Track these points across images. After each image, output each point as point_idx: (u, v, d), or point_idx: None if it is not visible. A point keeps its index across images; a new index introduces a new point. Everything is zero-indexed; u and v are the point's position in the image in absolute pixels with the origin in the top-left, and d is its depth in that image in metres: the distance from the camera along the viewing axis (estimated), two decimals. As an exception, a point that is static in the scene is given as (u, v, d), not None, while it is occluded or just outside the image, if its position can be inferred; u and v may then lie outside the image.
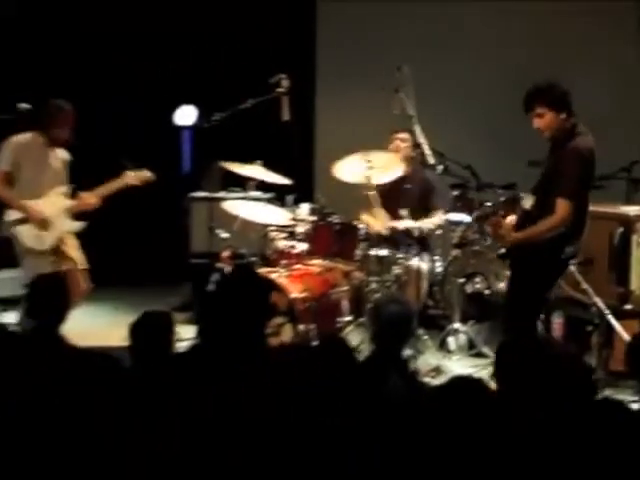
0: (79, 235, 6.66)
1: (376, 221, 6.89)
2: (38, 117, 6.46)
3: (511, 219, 5.65)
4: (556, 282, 5.67)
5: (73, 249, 6.55)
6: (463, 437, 3.23)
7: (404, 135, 6.99)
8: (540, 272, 5.45)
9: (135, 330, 4.10)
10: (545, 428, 3.39)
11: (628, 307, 6.39)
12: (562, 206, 5.27)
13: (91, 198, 6.55)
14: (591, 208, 6.45)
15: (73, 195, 6.58)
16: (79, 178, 6.65)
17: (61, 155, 6.56)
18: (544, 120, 5.34)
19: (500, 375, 3.76)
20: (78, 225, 6.57)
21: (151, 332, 4.09)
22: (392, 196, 7.04)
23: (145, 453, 3.43)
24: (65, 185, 6.57)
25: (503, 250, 5.71)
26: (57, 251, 6.46)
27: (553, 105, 5.32)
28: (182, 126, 8.55)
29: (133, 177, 6.62)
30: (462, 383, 3.39)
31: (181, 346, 6.39)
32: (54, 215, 6.44)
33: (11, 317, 6.83)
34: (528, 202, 5.51)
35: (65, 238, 6.52)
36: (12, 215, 6.38)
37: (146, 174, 6.66)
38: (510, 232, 5.53)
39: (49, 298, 4.47)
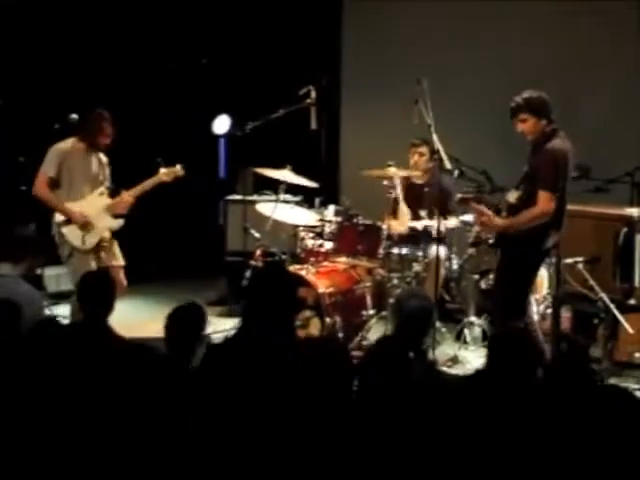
0: (125, 235, 6.66)
1: (397, 223, 6.95)
2: (82, 125, 6.48)
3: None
4: (537, 271, 5.82)
5: (113, 247, 6.58)
6: (478, 421, 3.30)
7: (422, 149, 7.06)
8: (523, 263, 5.62)
9: (170, 321, 4.14)
10: (550, 414, 3.40)
11: (632, 302, 6.38)
12: (543, 197, 5.47)
13: (128, 197, 6.56)
14: (598, 210, 6.61)
15: (115, 194, 6.59)
16: (120, 180, 6.68)
17: (100, 158, 6.58)
18: (526, 125, 5.60)
19: (494, 364, 3.75)
20: (118, 222, 6.57)
21: (185, 323, 4.14)
22: (413, 197, 7.13)
23: (183, 437, 3.47)
24: (105, 185, 6.58)
25: (492, 240, 5.93)
26: (99, 249, 6.49)
27: (533, 111, 5.57)
28: (219, 134, 8.54)
29: (166, 173, 6.60)
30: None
31: (218, 337, 6.56)
32: (95, 215, 6.46)
33: (61, 310, 6.85)
34: (512, 196, 5.69)
35: (106, 237, 6.54)
36: (59, 217, 6.45)
37: (178, 170, 6.63)
38: (493, 219, 5.66)
39: (97, 293, 4.50)
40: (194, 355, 4.06)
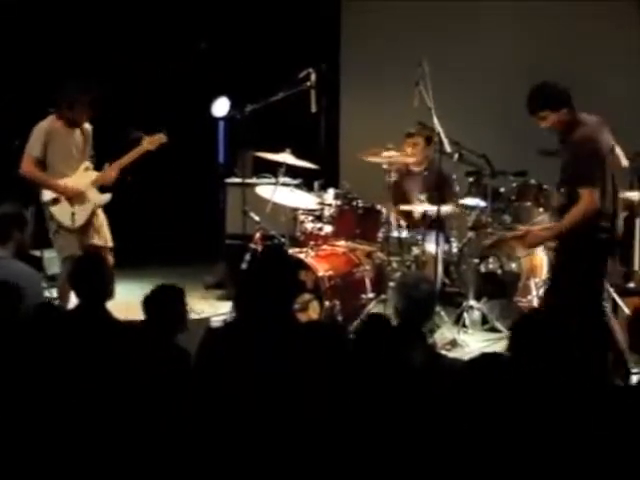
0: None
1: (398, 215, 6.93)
2: (59, 101, 6.33)
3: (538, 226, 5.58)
4: (606, 261, 5.34)
5: (102, 226, 6.48)
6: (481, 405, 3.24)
7: (416, 139, 7.07)
8: (586, 258, 5.20)
9: (147, 303, 4.11)
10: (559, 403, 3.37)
11: (631, 285, 6.42)
12: (584, 195, 5.13)
13: (114, 169, 6.45)
14: None
15: (99, 167, 6.50)
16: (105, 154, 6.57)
17: (84, 128, 6.46)
18: (548, 121, 5.29)
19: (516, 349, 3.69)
20: (106, 197, 6.48)
21: (163, 305, 4.09)
22: (412, 181, 7.13)
23: (183, 422, 3.47)
24: (89, 157, 6.49)
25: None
26: (88, 228, 6.40)
27: (550, 106, 5.26)
28: (218, 117, 8.49)
29: (149, 142, 6.50)
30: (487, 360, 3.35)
31: (216, 320, 6.55)
32: (84, 190, 6.39)
33: (56, 293, 6.76)
34: (555, 200, 5.52)
35: (96, 213, 6.45)
36: (46, 195, 6.35)
37: (161, 137, 6.52)
38: (533, 232, 5.41)
39: (92, 276, 4.43)
40: (175, 337, 4.04)
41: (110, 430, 3.46)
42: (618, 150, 5.58)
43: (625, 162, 5.72)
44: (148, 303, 4.10)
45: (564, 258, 5.28)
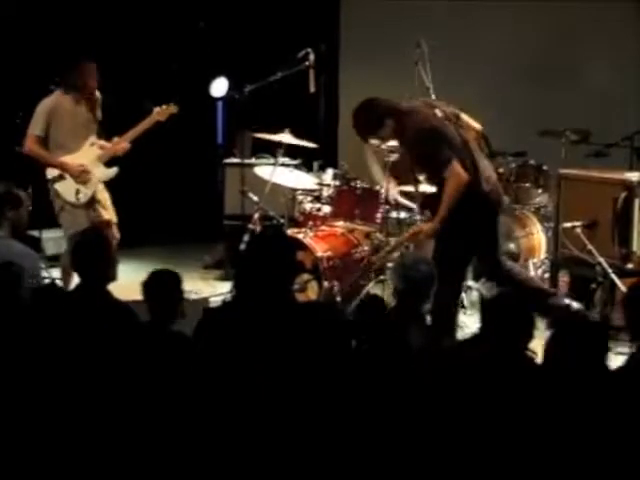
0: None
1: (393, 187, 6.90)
2: (65, 78, 6.32)
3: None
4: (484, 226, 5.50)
5: (106, 201, 6.47)
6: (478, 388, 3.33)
7: None
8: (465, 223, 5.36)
9: (146, 288, 4.06)
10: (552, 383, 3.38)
11: (630, 266, 6.36)
12: (447, 175, 5.23)
13: (122, 142, 6.45)
14: (596, 174, 6.58)
15: (106, 139, 6.49)
16: (111, 126, 6.59)
17: (93, 98, 6.43)
18: (386, 137, 5.51)
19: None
20: (112, 172, 6.46)
21: (160, 290, 4.05)
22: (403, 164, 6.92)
23: (183, 404, 3.48)
24: (96, 131, 6.46)
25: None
26: (93, 203, 6.38)
27: (375, 126, 5.39)
28: (216, 97, 8.38)
29: (159, 113, 6.48)
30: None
31: (215, 300, 6.54)
32: (90, 166, 6.36)
33: (57, 273, 6.75)
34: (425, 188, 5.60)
35: (100, 189, 6.43)
36: (51, 173, 6.33)
37: (172, 108, 6.51)
38: (423, 228, 5.53)
39: (93, 254, 4.34)
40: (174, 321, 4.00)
41: (109, 415, 3.46)
42: (464, 116, 5.63)
43: (477, 125, 5.76)
44: (144, 290, 4.05)
45: (445, 227, 5.34)
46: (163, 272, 4.12)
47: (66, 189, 6.34)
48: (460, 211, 5.27)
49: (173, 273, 4.10)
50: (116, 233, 6.41)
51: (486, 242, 5.51)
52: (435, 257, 5.27)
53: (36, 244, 6.78)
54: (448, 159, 5.23)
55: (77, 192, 6.33)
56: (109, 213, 6.45)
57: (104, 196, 6.47)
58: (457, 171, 5.22)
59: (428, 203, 5.63)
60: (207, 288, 7.35)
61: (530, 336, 3.60)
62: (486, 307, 3.89)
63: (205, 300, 6.56)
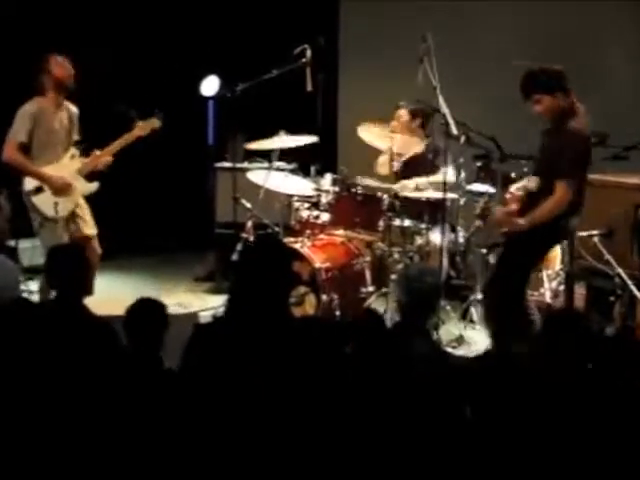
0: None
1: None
2: (36, 82, 6.24)
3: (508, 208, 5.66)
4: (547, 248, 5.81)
5: (86, 215, 6.45)
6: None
7: (400, 112, 7.00)
8: (535, 246, 5.53)
9: (130, 315, 3.98)
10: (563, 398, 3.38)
11: (648, 277, 6.32)
12: (560, 188, 5.29)
13: (104, 156, 6.41)
14: (614, 179, 6.57)
15: (86, 153, 6.45)
16: (93, 137, 6.52)
17: (70, 112, 6.40)
18: (543, 105, 5.38)
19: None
20: (94, 186, 6.44)
21: (144, 320, 3.96)
22: (414, 166, 6.96)
23: (171, 421, 3.44)
24: (74, 146, 6.43)
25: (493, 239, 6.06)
26: (73, 217, 6.36)
27: (547, 88, 5.34)
28: (207, 96, 8.46)
29: (142, 127, 6.46)
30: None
31: (204, 315, 6.42)
32: (70, 178, 6.32)
33: (36, 286, 6.74)
34: (532, 183, 5.51)
35: (80, 203, 6.41)
36: (29, 184, 6.24)
37: (154, 122, 6.50)
38: (510, 221, 5.51)
39: (68, 268, 4.33)
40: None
41: (85, 431, 3.41)
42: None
43: None
44: (127, 322, 3.97)
45: (521, 236, 5.47)
46: (146, 302, 4.03)
47: (43, 202, 6.25)
48: (551, 227, 5.41)
49: (157, 304, 4.02)
50: (97, 247, 6.42)
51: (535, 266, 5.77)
52: (509, 256, 5.58)
53: (12, 254, 6.72)
54: (572, 175, 5.32)
55: (55, 205, 6.25)
56: (89, 227, 6.43)
57: (84, 210, 6.44)
58: (568, 193, 5.31)
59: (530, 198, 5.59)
60: (196, 301, 7.34)
61: None
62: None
63: (194, 315, 6.69)
